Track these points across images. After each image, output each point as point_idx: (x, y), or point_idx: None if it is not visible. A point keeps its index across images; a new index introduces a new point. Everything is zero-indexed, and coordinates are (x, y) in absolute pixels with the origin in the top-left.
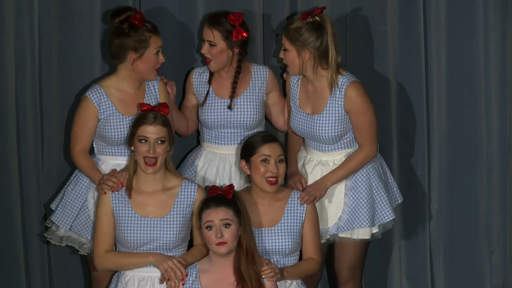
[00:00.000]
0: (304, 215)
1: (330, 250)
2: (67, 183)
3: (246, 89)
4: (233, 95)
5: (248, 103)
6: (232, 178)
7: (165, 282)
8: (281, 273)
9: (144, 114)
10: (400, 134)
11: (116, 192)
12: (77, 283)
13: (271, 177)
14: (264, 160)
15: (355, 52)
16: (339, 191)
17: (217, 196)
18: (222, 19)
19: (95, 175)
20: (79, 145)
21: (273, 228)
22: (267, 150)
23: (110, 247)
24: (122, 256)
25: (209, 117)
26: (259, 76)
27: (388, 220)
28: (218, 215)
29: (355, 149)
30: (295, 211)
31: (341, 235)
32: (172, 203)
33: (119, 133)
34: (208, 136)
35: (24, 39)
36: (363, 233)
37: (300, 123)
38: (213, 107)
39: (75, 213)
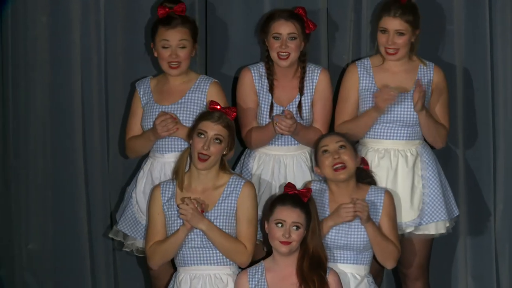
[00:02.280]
0: (381, 210)
1: None
2: None
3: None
4: (301, 94)
5: (304, 106)
6: (288, 179)
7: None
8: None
9: (210, 111)
10: (466, 135)
11: (167, 191)
12: (141, 282)
13: (335, 164)
14: (324, 151)
15: (422, 51)
16: (417, 181)
17: (295, 197)
18: (293, 12)
19: (146, 134)
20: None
21: (351, 223)
22: (325, 141)
23: None
24: (162, 241)
25: (266, 120)
26: (310, 75)
27: (456, 215)
28: (292, 216)
29: (424, 143)
30: (373, 206)
31: (419, 232)
32: (217, 199)
33: (148, 121)
34: None
35: (90, 37)
36: (440, 227)
37: None
38: (269, 110)
39: (122, 209)
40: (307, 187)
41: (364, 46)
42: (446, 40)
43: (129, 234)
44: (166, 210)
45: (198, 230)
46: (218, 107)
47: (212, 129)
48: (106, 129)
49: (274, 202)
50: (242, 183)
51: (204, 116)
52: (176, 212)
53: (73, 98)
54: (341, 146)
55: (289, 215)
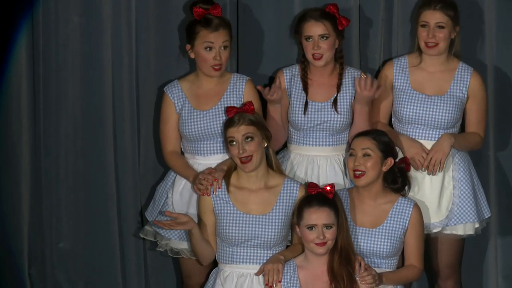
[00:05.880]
0: (408, 222)
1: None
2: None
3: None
4: (338, 93)
5: (340, 105)
6: (321, 180)
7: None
8: (380, 279)
9: (231, 117)
10: (497, 134)
11: (218, 190)
12: (173, 281)
13: (355, 170)
14: (350, 154)
15: None
16: (448, 182)
17: (320, 196)
18: (324, 11)
19: (188, 173)
20: (169, 145)
21: (374, 229)
22: (353, 144)
23: (214, 245)
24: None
25: (299, 118)
26: (349, 77)
27: (487, 216)
28: (321, 218)
29: None
30: (400, 216)
31: (446, 231)
32: (275, 200)
33: (189, 127)
34: (296, 138)
35: (122, 37)
36: (468, 228)
37: (416, 106)
38: (304, 108)
39: (158, 208)
40: (330, 184)
41: (395, 46)
42: (477, 40)
43: (163, 234)
44: (216, 209)
45: (252, 233)
46: (234, 110)
47: (238, 132)
48: (137, 129)
49: (301, 205)
50: (298, 187)
51: (226, 124)
52: (227, 212)
53: (104, 97)
54: (365, 155)
55: (318, 217)
